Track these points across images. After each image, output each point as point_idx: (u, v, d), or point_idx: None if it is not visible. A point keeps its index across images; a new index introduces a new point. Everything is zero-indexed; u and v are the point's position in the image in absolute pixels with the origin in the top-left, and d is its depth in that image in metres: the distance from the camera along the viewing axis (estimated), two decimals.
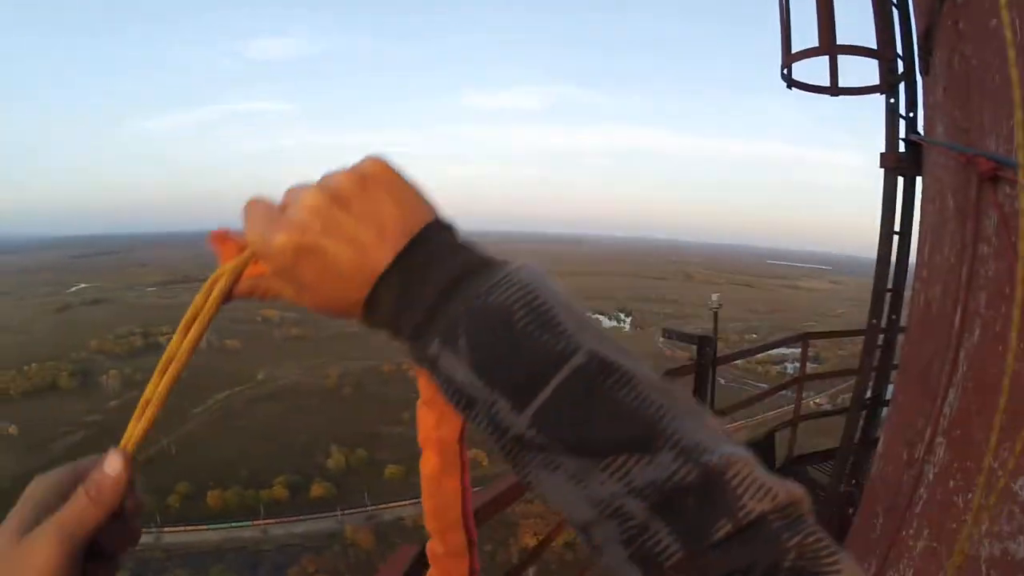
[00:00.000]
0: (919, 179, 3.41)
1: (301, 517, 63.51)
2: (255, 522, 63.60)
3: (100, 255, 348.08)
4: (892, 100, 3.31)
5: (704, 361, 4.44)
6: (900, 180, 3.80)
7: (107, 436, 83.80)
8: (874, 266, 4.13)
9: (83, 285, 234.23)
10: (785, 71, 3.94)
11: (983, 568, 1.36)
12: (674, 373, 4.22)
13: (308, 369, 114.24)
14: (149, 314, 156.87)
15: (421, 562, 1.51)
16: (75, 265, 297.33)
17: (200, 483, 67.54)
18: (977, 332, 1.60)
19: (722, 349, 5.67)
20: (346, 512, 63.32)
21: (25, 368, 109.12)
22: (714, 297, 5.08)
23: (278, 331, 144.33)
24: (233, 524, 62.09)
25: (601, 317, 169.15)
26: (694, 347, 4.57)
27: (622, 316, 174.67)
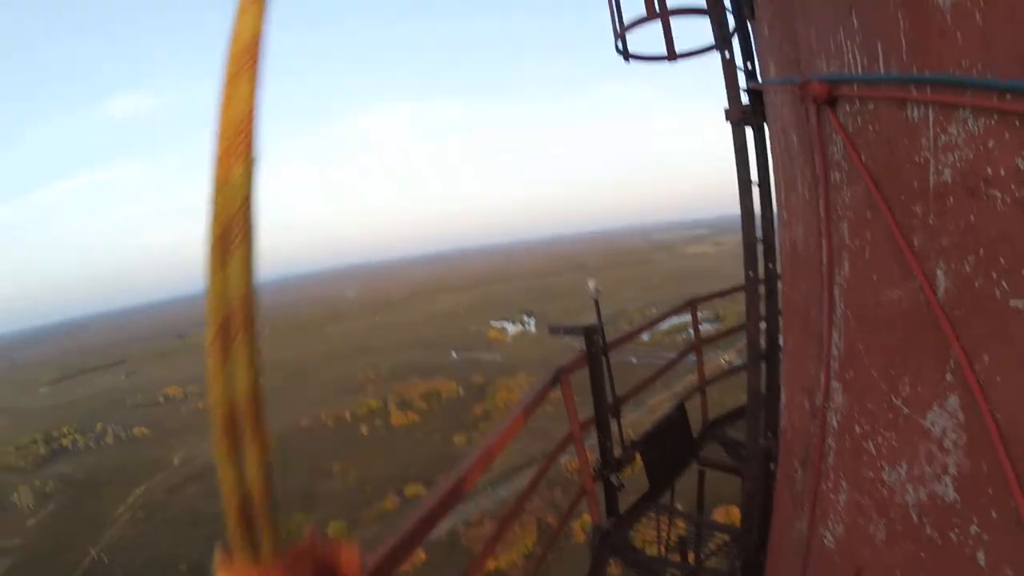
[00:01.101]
0: (767, 127, 3.47)
1: None
2: None
3: None
4: (727, 55, 3.36)
5: (595, 351, 4.37)
6: (749, 131, 3.89)
7: (37, 562, 75.45)
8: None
9: None
10: (619, 44, 3.93)
11: (914, 516, 1.25)
12: (566, 370, 4.03)
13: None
14: (47, 417, 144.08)
15: None
16: None
17: None
18: (847, 265, 1.53)
19: (625, 330, 5.67)
20: None
21: None
22: (591, 285, 5.04)
23: (184, 408, 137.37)
24: None
25: (506, 324, 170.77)
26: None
27: (526, 319, 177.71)
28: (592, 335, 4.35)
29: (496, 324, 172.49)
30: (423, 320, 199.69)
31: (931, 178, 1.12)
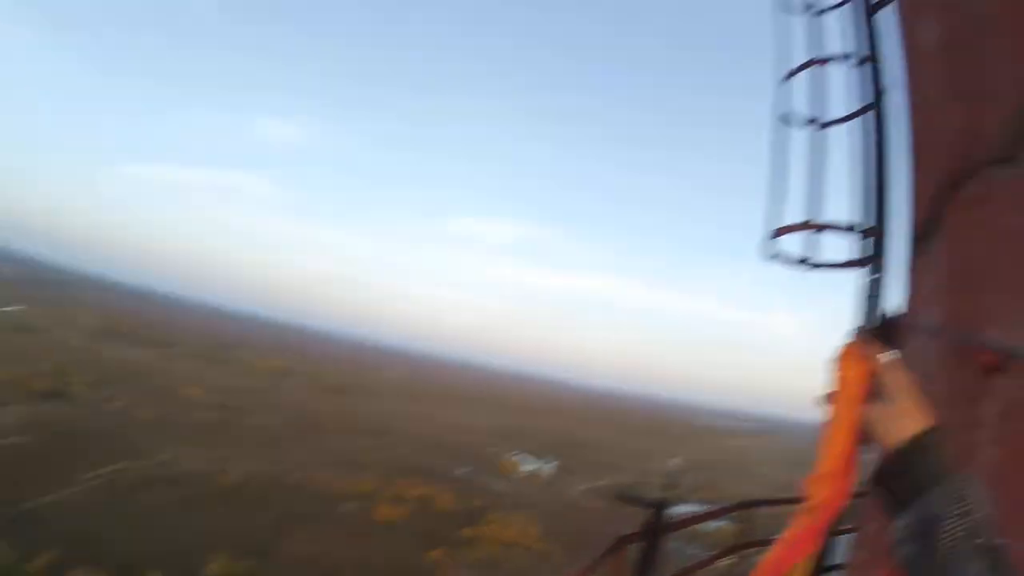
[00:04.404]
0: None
1: None
2: None
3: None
4: (875, 276, 2.74)
5: (657, 528, 4.22)
6: None
7: None
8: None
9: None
10: (769, 244, 3.43)
11: None
12: (625, 540, 4.01)
13: (217, 460, 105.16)
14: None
15: None
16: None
17: (67, 555, 59.68)
18: None
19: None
20: None
21: None
22: (674, 462, 4.12)
23: (197, 413, 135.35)
24: None
25: (526, 457, 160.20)
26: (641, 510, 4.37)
27: (544, 462, 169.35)
28: (661, 510, 4.23)
29: (515, 455, 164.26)
30: (447, 422, 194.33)
31: None
